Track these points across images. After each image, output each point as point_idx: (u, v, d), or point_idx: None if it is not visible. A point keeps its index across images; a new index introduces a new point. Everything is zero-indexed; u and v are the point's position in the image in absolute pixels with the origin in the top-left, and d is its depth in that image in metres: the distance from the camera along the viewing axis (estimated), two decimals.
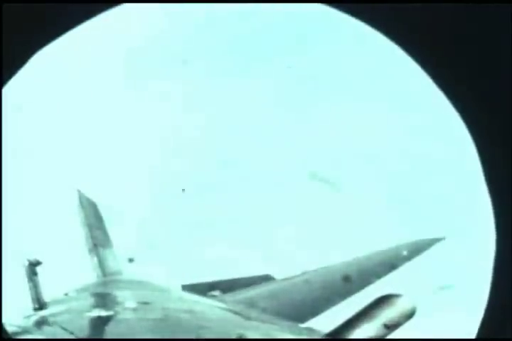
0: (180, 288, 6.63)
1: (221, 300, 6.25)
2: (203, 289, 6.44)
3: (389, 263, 7.03)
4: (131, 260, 7.93)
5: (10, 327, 4.06)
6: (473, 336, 2.43)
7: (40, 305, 5.13)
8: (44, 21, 2.01)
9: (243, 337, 4.03)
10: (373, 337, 3.69)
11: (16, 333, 4.17)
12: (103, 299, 5.72)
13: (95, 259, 7.38)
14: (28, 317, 4.83)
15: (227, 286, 6.80)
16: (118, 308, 4.87)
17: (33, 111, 11.15)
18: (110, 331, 4.36)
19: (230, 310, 5.50)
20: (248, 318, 5.19)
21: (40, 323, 4.61)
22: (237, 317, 5.16)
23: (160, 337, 4.03)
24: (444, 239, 7.30)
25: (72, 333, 4.05)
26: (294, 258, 9.36)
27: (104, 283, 6.80)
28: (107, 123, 11.41)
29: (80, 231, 7.73)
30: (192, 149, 11.37)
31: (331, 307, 6.47)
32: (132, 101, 11.70)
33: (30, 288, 5.24)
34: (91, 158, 10.98)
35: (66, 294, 5.73)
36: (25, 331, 4.27)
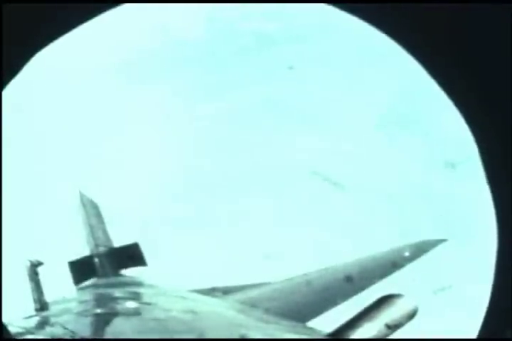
0: (183, 288, 6.62)
1: (223, 301, 6.25)
2: (204, 293, 6.43)
3: (391, 264, 7.02)
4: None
5: (12, 327, 4.07)
6: (474, 336, 2.43)
7: (41, 305, 5.14)
8: (44, 22, 2.01)
9: (246, 337, 4.03)
10: (375, 337, 3.69)
11: (18, 333, 4.17)
12: (104, 299, 5.72)
13: (96, 260, 7.39)
14: (30, 317, 4.84)
15: (228, 291, 6.79)
16: (119, 308, 4.88)
17: (33, 111, 11.17)
18: (111, 331, 4.36)
19: (233, 310, 5.50)
20: (251, 318, 5.19)
21: (42, 323, 4.61)
22: (240, 317, 5.16)
23: (161, 337, 4.04)
24: (446, 240, 7.31)
25: (73, 333, 4.06)
26: (296, 257, 9.35)
27: (106, 284, 6.81)
28: (107, 123, 11.42)
29: (82, 232, 7.74)
30: (193, 151, 11.38)
31: (333, 307, 6.46)
32: (131, 101, 11.71)
33: (31, 289, 5.24)
34: (91, 159, 11.00)
35: (66, 295, 5.74)
36: (27, 331, 4.27)
